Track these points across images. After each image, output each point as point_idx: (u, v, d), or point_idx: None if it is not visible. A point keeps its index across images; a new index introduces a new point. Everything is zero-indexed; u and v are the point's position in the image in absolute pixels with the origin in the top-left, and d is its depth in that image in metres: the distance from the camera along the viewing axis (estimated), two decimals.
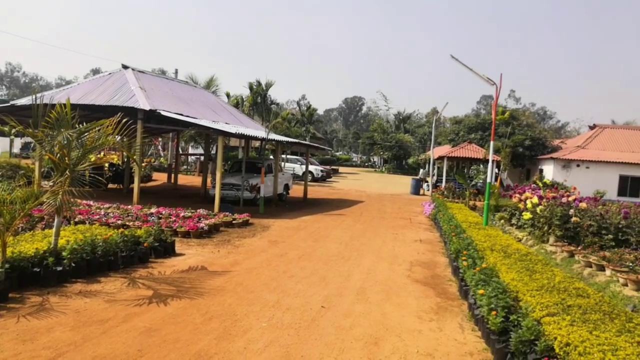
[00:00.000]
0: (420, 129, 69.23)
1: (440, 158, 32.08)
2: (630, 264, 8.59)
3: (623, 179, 29.27)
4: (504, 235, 10.53)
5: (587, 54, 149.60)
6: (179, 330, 5.22)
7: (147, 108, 14.09)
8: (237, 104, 36.92)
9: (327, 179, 37.80)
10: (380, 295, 7.14)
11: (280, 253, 9.76)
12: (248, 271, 8.09)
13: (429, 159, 36.63)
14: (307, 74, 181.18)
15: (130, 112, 13.61)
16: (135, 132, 10.55)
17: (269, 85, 37.14)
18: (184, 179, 28.57)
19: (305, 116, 51.52)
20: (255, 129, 20.27)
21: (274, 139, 18.59)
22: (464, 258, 7.90)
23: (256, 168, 18.40)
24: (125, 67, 17.52)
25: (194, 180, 28.98)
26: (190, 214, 12.64)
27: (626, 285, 7.85)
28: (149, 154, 41.23)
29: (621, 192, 28.92)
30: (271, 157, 25.17)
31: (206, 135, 22.17)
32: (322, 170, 36.67)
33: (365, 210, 18.89)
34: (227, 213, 13.48)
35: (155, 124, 17.65)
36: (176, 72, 35.56)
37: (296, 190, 23.81)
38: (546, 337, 4.37)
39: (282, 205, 18.98)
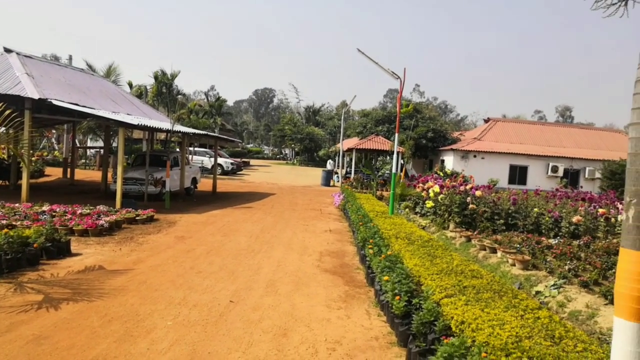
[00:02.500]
0: (331, 122, 70.48)
1: (350, 150, 32.90)
2: (518, 246, 9.37)
3: (513, 168, 31.97)
4: (408, 223, 11.01)
5: (485, 54, 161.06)
6: (74, 336, 4.85)
7: (36, 97, 12.89)
8: (141, 94, 35.12)
9: (238, 172, 37.25)
10: (290, 287, 7.17)
11: (188, 249, 9.44)
12: (152, 269, 7.73)
13: (339, 151, 37.45)
14: (216, 65, 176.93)
15: (16, 101, 12.40)
16: (23, 124, 9.62)
17: (174, 75, 35.72)
18: (82, 174, 26.67)
19: (214, 107, 50.30)
20: (160, 121, 19.38)
21: (180, 131, 17.90)
22: (370, 246, 8.16)
23: (161, 161, 17.64)
24: (8, 50, 15.90)
25: (94, 175, 27.15)
26: (88, 210, 11.81)
27: (514, 265, 8.55)
28: (40, 147, 37.93)
29: (511, 180, 31.57)
30: (177, 149, 24.26)
31: (106, 127, 20.80)
32: (232, 163, 36.05)
33: (276, 203, 18.86)
34: (130, 209, 12.77)
35: (47, 114, 16.22)
36: (70, 58, 32.90)
37: (205, 184, 23.18)
38: (444, 317, 4.62)
39: (190, 199, 18.38)
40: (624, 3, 3.74)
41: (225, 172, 34.45)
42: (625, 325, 3.21)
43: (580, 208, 13.00)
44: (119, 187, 14.01)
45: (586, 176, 31.76)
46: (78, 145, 34.69)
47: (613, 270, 7.05)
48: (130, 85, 36.02)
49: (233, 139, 34.34)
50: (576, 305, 6.37)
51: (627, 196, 3.31)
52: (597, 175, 30.62)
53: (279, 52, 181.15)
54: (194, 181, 20.52)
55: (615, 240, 9.74)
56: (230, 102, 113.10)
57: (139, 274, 7.33)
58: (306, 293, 6.89)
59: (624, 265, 3.28)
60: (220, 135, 27.95)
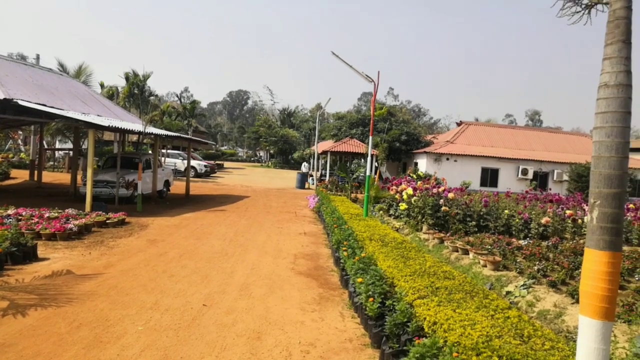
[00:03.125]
0: (306, 124, 70.47)
1: (324, 152, 32.97)
2: (489, 247, 9.54)
3: (484, 171, 32.56)
4: (382, 225, 11.09)
5: (458, 58, 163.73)
6: (40, 343, 4.71)
7: (1, 97, 12.51)
8: (112, 95, 34.41)
9: (212, 175, 36.90)
10: (264, 290, 7.13)
11: (160, 252, 9.29)
12: (123, 273, 7.57)
13: (314, 153, 37.48)
14: (190, 66, 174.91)
15: None
16: None
17: (146, 76, 35.14)
18: (50, 177, 25.98)
19: (187, 109, 49.66)
20: (132, 122, 19.05)
21: (152, 133, 17.62)
22: (344, 248, 8.18)
23: (133, 163, 17.32)
24: None
25: (62, 177, 26.47)
26: (57, 214, 11.50)
27: (485, 266, 8.70)
28: (6, 148, 36.80)
29: (483, 182, 32.15)
30: (150, 152, 23.88)
31: (75, 129, 20.32)
32: (205, 166, 35.68)
33: (250, 206, 18.74)
34: (100, 212, 12.50)
35: (13, 115, 15.73)
36: (37, 57, 32.01)
37: (178, 187, 22.87)
38: (417, 318, 4.66)
39: (163, 202, 18.11)
40: (587, 11, 3.86)
41: (198, 175, 34.06)
42: (590, 323, 3.31)
43: (548, 210, 13.33)
44: (89, 190, 13.70)
45: (554, 178, 32.60)
46: (46, 146, 33.79)
47: (579, 270, 7.24)
48: (102, 85, 35.25)
49: (206, 141, 33.93)
50: (545, 305, 6.52)
51: (591, 198, 3.41)
52: (565, 177, 31.45)
53: (255, 54, 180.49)
54: (167, 184, 20.22)
55: (581, 241, 10.02)
56: (204, 104, 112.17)
57: (109, 279, 7.17)
58: (280, 296, 6.86)
59: (588, 265, 3.38)
60: (193, 137, 27.63)
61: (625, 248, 10.72)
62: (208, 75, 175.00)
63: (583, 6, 3.87)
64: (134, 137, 26.23)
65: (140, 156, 16.75)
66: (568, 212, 13.08)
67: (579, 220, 12.71)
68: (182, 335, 5.13)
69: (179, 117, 47.92)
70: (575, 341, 3.49)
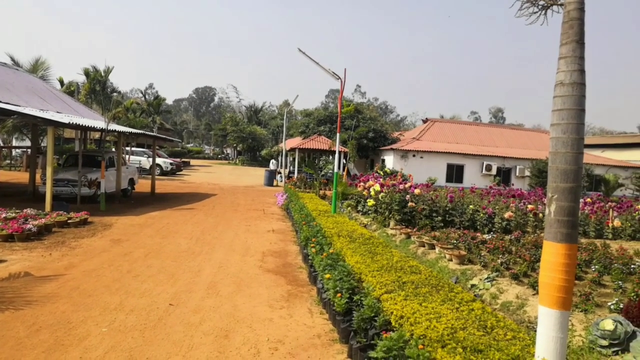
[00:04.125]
0: (273, 121, 70.18)
1: (293, 149, 32.91)
2: (455, 242, 9.74)
3: (450, 167, 33.21)
4: (350, 222, 11.16)
5: (424, 57, 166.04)
6: None
7: None
8: (72, 91, 33.38)
9: (178, 172, 36.31)
10: (232, 288, 7.07)
11: (124, 252, 9.08)
12: (86, 274, 7.37)
13: (282, 150, 37.36)
14: (155, 62, 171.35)
15: None
16: None
17: (108, 72, 34.22)
18: (6, 176, 25.02)
19: (152, 106, 48.72)
20: (94, 119, 18.54)
21: (115, 130, 17.18)
22: (312, 245, 8.20)
23: (96, 162, 16.87)
24: None
25: (21, 176, 25.51)
26: (14, 214, 11.09)
27: (451, 260, 8.88)
28: None
29: (448, 178, 32.79)
30: (113, 149, 23.31)
31: (33, 126, 19.60)
32: (171, 163, 35.07)
33: (217, 204, 18.54)
34: (61, 212, 12.12)
35: None
36: None
37: (143, 185, 22.41)
38: (384, 313, 4.73)
39: (127, 201, 17.71)
40: (544, 12, 3.99)
41: (164, 173, 33.47)
42: (548, 313, 3.43)
43: (511, 204, 13.74)
44: (48, 189, 13.26)
45: (517, 174, 33.54)
46: (2, 145, 32.51)
47: (540, 262, 7.50)
48: (61, 82, 34.16)
49: (172, 138, 33.39)
50: (507, 297, 6.71)
51: (549, 192, 3.54)
52: (527, 173, 32.42)
53: (220, 51, 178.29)
54: (131, 182, 19.78)
55: (542, 234, 10.34)
56: (169, 101, 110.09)
57: (70, 280, 6.97)
58: (248, 294, 6.83)
59: (546, 257, 3.51)
60: (158, 135, 27.12)
61: (583, 240, 11.15)
62: (174, 71, 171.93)
63: (540, 7, 3.99)
64: (97, 135, 25.56)
65: (103, 154, 16.30)
66: (530, 206, 13.51)
67: (540, 214, 13.14)
68: (148, 335, 5.04)
69: (144, 114, 46.95)
70: (535, 330, 3.61)
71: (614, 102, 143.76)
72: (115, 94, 38.25)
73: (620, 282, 6.68)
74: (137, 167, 23.86)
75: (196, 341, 4.98)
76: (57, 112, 16.36)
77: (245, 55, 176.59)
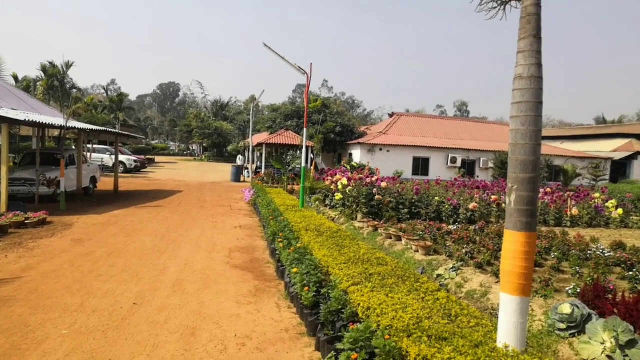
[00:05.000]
0: (240, 117, 69.52)
1: (260, 145, 32.69)
2: (421, 233, 9.88)
3: (416, 160, 33.67)
4: (318, 216, 11.18)
5: (390, 51, 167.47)
6: None
7: None
8: (29, 88, 32.13)
9: (142, 170, 35.53)
10: (198, 285, 6.98)
11: (86, 252, 8.82)
12: (45, 275, 7.13)
13: (249, 146, 37.05)
14: (117, 58, 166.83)
15: None
16: None
17: (67, 67, 33.08)
18: None
19: (114, 102, 47.42)
20: (52, 116, 17.91)
21: (75, 127, 16.65)
22: (280, 240, 8.17)
23: (55, 160, 16.32)
24: None
25: None
26: None
27: (418, 251, 8.99)
28: None
29: (415, 171, 33.25)
30: (73, 147, 22.60)
31: None
32: (135, 160, 34.28)
33: (183, 200, 18.25)
34: (18, 212, 11.67)
35: None
36: None
37: (106, 183, 21.84)
38: (351, 305, 4.75)
39: (89, 200, 17.21)
40: (502, 8, 4.07)
41: (128, 170, 32.70)
42: (509, 299, 3.52)
43: (475, 196, 14.03)
44: (3, 189, 12.73)
45: (481, 166, 34.30)
46: None
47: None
48: (16, 78, 32.80)
49: (136, 135, 32.57)
50: (472, 285, 6.84)
51: (509, 182, 3.62)
52: (490, 165, 33.21)
53: (184, 45, 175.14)
54: (93, 180, 19.23)
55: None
56: (132, 97, 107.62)
57: (28, 282, 6.72)
58: (215, 290, 6.75)
59: (507, 245, 3.59)
60: (121, 132, 26.45)
61: (543, 229, 11.50)
62: (137, 67, 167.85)
63: (499, 2, 4.07)
64: (56, 132, 24.71)
65: (63, 152, 15.76)
66: (493, 197, 13.83)
67: (503, 205, 13.46)
68: (111, 336, 4.91)
69: (106, 111, 45.70)
70: (498, 317, 3.70)
71: (572, 96, 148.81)
72: (75, 90, 36.97)
73: (577, 267, 6.92)
74: (99, 165, 23.20)
75: (161, 340, 4.89)
76: (12, 108, 15.71)
77: (211, 51, 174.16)
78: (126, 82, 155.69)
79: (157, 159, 53.44)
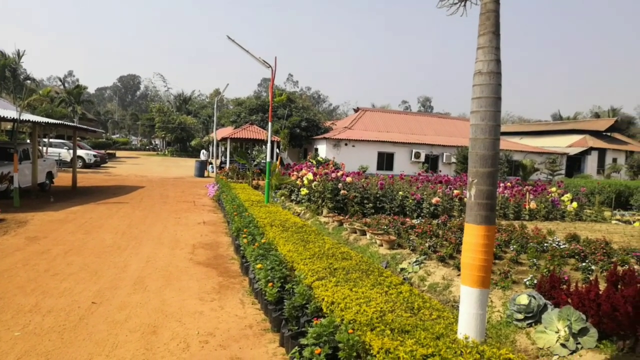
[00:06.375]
0: (204, 111, 68.35)
1: (224, 139, 32.28)
2: (385, 227, 9.99)
3: (381, 155, 34.02)
4: (283, 211, 11.13)
5: (356, 46, 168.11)
6: None
7: None
8: None
9: (102, 165, 34.54)
10: (161, 282, 6.83)
11: (42, 250, 8.50)
12: None
13: (213, 140, 36.54)
14: (77, 48, 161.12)
15: None
16: None
17: (19, 56, 31.68)
18: None
19: (72, 95, 45.79)
20: (3, 108, 17.14)
21: (29, 120, 15.99)
22: (244, 235, 8.09)
23: (7, 154, 15.63)
24: None
25: None
26: None
27: (382, 245, 9.09)
28: None
29: (379, 166, 33.60)
30: (28, 141, 21.72)
31: None
32: (95, 155, 33.26)
33: (146, 196, 17.83)
34: None
35: None
36: None
37: (64, 179, 21.10)
38: (316, 300, 4.75)
39: (45, 196, 16.58)
40: (462, 4, 4.13)
41: (87, 165, 31.70)
42: (469, 292, 3.59)
43: (438, 190, 14.29)
44: None
45: (444, 161, 34.98)
46: None
47: None
48: None
49: (95, 129, 31.53)
50: (435, 278, 6.97)
51: (469, 177, 3.68)
52: (453, 159, 33.89)
53: (147, 37, 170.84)
54: (50, 176, 18.53)
55: None
56: (91, 89, 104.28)
57: None
58: (178, 287, 6.63)
59: (467, 239, 3.66)
60: (79, 125, 25.57)
61: (503, 222, 11.82)
62: (96, 58, 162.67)
63: None
64: (9, 126, 23.70)
65: (16, 146, 15.12)
66: (455, 191, 14.12)
67: (465, 199, 13.77)
68: (67, 337, 4.75)
69: (63, 103, 44.07)
70: (458, 309, 3.77)
71: (531, 93, 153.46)
72: (29, 81, 35.47)
73: (534, 259, 7.16)
74: (56, 160, 22.40)
75: (121, 339, 4.76)
76: None
77: (173, 44, 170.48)
78: (85, 74, 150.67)
79: (119, 153, 52.04)
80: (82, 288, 6.36)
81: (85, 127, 25.91)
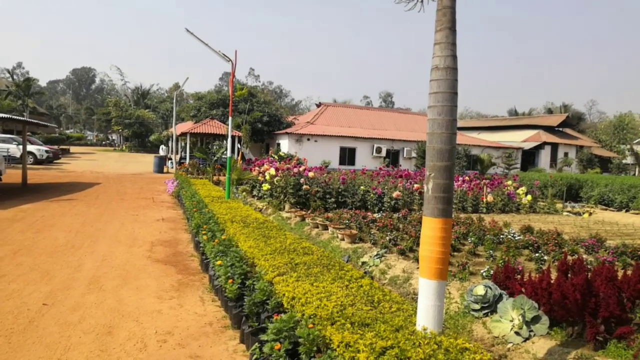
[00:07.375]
0: (163, 105, 66.74)
1: (184, 134, 31.66)
2: (347, 222, 10.05)
3: (343, 150, 34.21)
4: (244, 207, 11.02)
5: (318, 40, 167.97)
6: None
7: None
8: None
9: (55, 161, 33.22)
10: (117, 281, 6.63)
11: None
12: None
13: (172, 135, 35.78)
14: (25, 39, 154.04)
15: None
16: None
17: None
18: None
19: (21, 88, 43.81)
20: None
21: None
22: (204, 232, 7.96)
23: None
24: None
25: None
26: None
27: (344, 239, 9.13)
28: None
29: (342, 161, 33.78)
30: None
31: None
32: (47, 151, 31.93)
33: (102, 193, 17.28)
34: None
35: None
36: None
37: (13, 176, 20.19)
38: (276, 295, 4.72)
39: None
40: (420, 0, 4.17)
41: (39, 162, 30.42)
42: (427, 284, 3.64)
43: (399, 184, 14.49)
44: None
45: (405, 156, 35.50)
46: None
47: None
48: None
49: (47, 123, 30.30)
50: (395, 271, 7.06)
51: (427, 170, 3.73)
52: (413, 154, 34.45)
53: (102, 28, 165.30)
54: None
55: None
56: (43, 82, 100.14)
57: None
58: (135, 286, 6.45)
59: (425, 232, 3.71)
60: (29, 120, 24.49)
61: (462, 215, 12.11)
62: (47, 50, 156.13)
63: None
64: None
65: None
66: (416, 185, 14.35)
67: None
68: (15, 341, 4.53)
69: (11, 97, 42.11)
70: (417, 301, 3.82)
71: (488, 88, 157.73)
72: None
73: (491, 251, 7.36)
74: (4, 156, 21.40)
75: (74, 341, 4.59)
76: None
77: (131, 35, 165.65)
78: (35, 66, 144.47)
79: (73, 149, 50.19)
80: (32, 289, 6.09)
81: (36, 121, 24.83)
